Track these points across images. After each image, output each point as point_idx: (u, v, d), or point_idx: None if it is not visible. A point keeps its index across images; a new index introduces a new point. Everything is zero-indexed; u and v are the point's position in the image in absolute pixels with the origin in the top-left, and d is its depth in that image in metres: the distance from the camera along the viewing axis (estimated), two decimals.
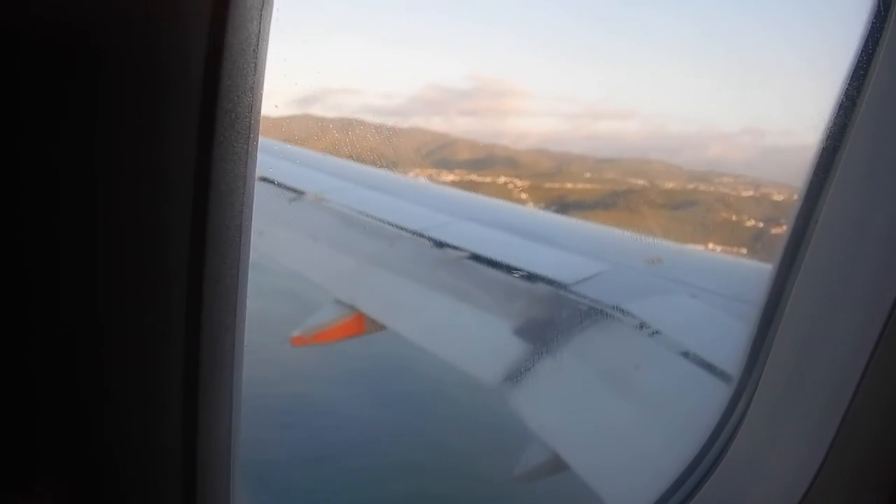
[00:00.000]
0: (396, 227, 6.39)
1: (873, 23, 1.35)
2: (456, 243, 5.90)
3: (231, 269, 0.96)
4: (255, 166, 0.96)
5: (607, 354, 4.52)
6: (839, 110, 1.43)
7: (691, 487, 1.67)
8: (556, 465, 3.86)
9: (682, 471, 1.72)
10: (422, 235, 6.07)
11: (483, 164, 10.15)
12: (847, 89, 1.41)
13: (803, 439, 1.51)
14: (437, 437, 7.97)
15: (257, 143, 0.96)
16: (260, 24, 0.89)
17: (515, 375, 4.35)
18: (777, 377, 1.56)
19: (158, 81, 0.81)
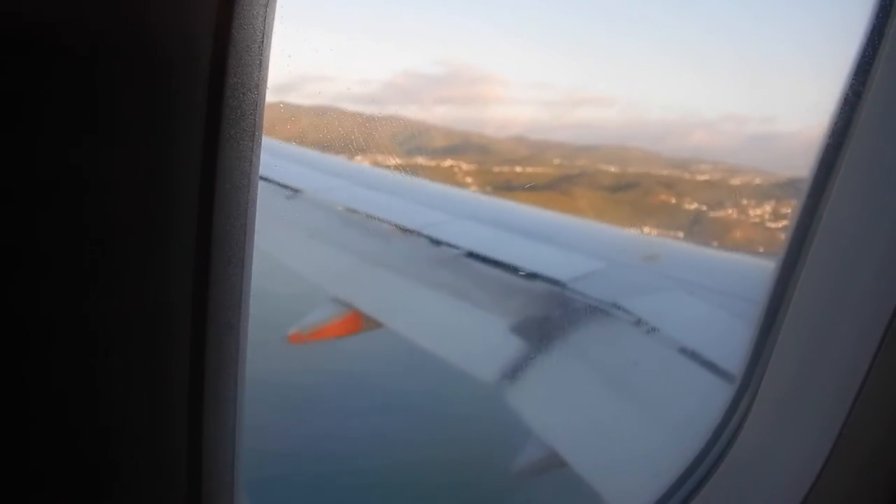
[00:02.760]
0: (393, 225, 6.39)
1: (877, 18, 1.33)
2: (453, 241, 5.90)
3: (236, 268, 0.95)
4: (258, 164, 0.95)
5: (605, 351, 4.53)
6: (842, 107, 1.41)
7: (693, 486, 1.66)
8: (554, 462, 3.86)
9: (683, 470, 1.71)
10: (418, 233, 6.07)
11: (457, 151, 10.18)
12: (850, 86, 1.39)
13: (807, 439, 1.50)
14: (434, 434, 7.97)
15: (261, 140, 0.95)
16: (265, 20, 0.88)
17: (513, 373, 4.35)
18: (780, 377, 1.55)
19: (163, 79, 0.80)
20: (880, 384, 1.38)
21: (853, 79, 1.38)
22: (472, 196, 8.55)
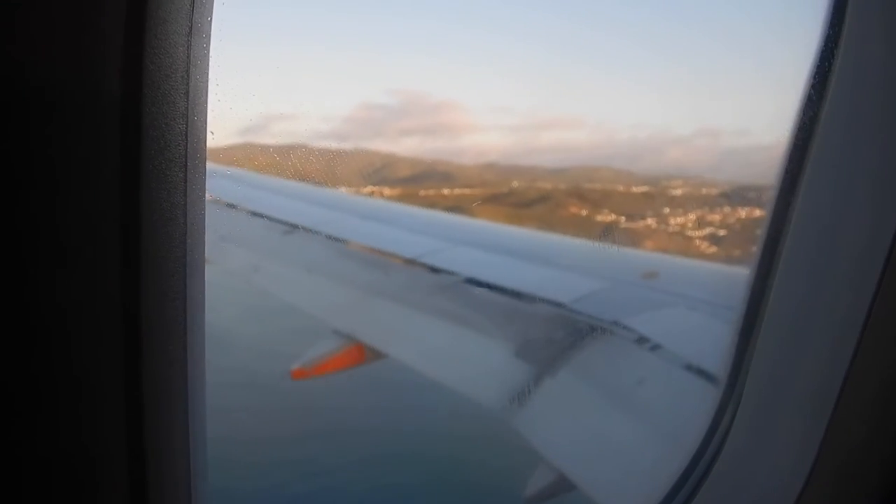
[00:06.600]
0: (391, 255, 6.41)
1: (832, 18, 1.35)
2: (451, 268, 5.90)
3: (174, 301, 0.94)
4: (199, 194, 0.95)
5: (609, 371, 4.50)
6: (805, 109, 1.42)
7: (684, 499, 1.65)
8: (564, 486, 3.82)
9: (674, 483, 1.70)
10: (416, 262, 6.08)
11: (421, 180, 10.42)
12: (811, 86, 1.41)
13: (791, 444, 1.49)
14: (443, 462, 7.89)
15: (202, 170, 0.94)
16: (189, 50, 0.87)
17: (518, 397, 4.33)
18: (761, 383, 1.55)
19: (70, 114, 0.79)
20: (860, 384, 1.37)
21: (813, 80, 1.40)
22: (468, 222, 8.58)
